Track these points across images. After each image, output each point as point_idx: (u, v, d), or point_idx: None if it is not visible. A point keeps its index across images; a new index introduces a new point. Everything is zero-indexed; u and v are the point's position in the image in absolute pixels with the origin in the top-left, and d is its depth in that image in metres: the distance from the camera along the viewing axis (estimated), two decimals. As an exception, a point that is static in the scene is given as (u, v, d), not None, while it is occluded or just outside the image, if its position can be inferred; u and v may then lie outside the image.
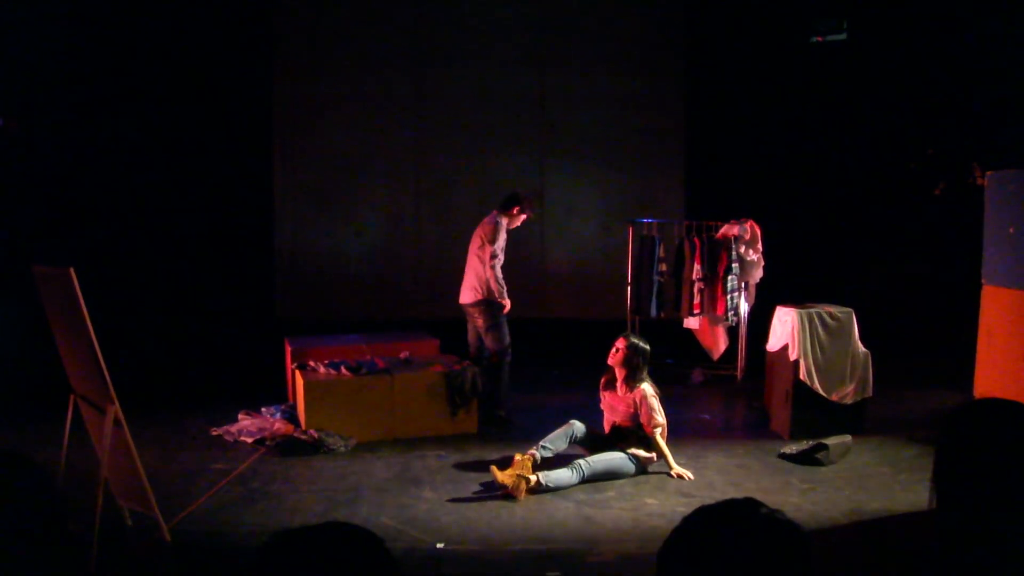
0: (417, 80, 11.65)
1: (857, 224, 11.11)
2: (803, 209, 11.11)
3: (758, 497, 1.50)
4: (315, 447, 6.73)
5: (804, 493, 6.00)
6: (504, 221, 7.58)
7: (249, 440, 6.95)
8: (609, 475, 6.04)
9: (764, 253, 9.09)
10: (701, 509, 1.47)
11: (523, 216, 7.69)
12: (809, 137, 11.28)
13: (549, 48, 11.75)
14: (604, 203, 11.89)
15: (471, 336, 7.77)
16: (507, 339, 7.59)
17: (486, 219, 7.64)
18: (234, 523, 5.37)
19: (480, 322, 7.53)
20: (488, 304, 7.46)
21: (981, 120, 9.72)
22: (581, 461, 5.99)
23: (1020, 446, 1.79)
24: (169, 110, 10.65)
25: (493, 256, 7.42)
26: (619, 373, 6.24)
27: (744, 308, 9.12)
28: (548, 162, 11.85)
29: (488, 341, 7.53)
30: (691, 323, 9.36)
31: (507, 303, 7.49)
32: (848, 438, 6.60)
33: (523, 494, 5.72)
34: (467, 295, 7.61)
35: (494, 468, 5.84)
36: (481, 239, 7.53)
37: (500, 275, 7.46)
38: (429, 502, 5.84)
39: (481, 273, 7.47)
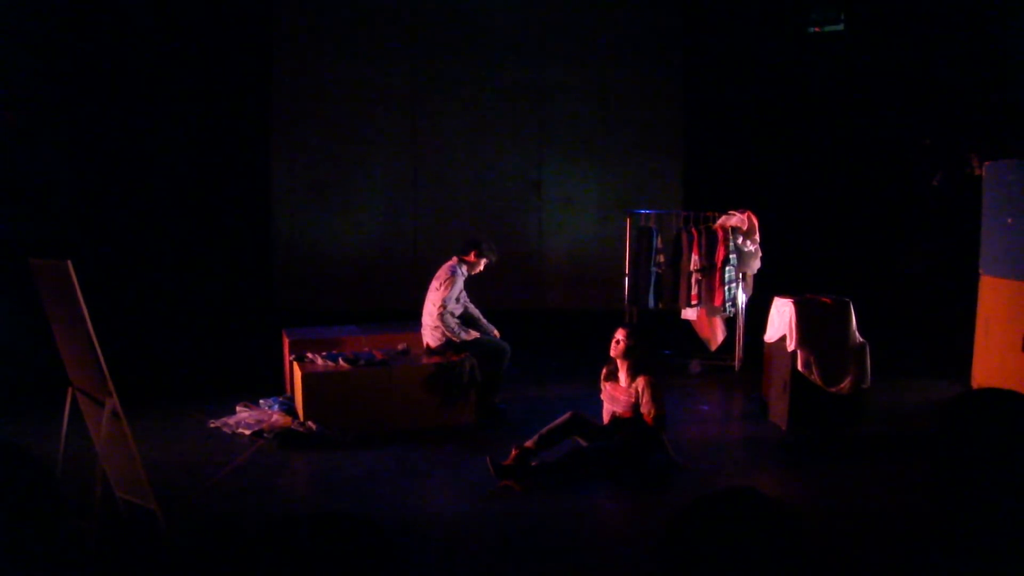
0: (414, 72, 11.63)
1: (854, 214, 11.11)
2: (800, 200, 11.11)
3: (756, 487, 1.50)
4: (313, 439, 6.74)
5: (803, 483, 6.02)
6: (463, 269, 7.51)
7: (247, 432, 6.95)
8: (607, 465, 6.04)
9: (761, 244, 9.09)
10: (700, 498, 1.47)
11: (483, 261, 7.57)
12: (806, 128, 11.27)
13: (546, 39, 11.72)
14: (601, 194, 11.88)
15: None
16: (501, 346, 7.58)
17: (445, 266, 7.53)
18: (232, 515, 5.37)
19: (462, 355, 7.44)
20: (451, 342, 7.44)
21: (978, 110, 9.71)
22: (579, 451, 6.00)
23: (1018, 436, 1.79)
24: (167, 101, 10.63)
25: (444, 306, 7.36)
26: (621, 364, 6.23)
27: (742, 299, 9.11)
28: (545, 153, 11.84)
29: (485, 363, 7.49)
30: (689, 314, 9.36)
31: (470, 336, 7.45)
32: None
33: (520, 485, 5.73)
34: (428, 336, 7.56)
35: (491, 460, 5.85)
36: (437, 285, 7.47)
37: (452, 322, 7.41)
38: (427, 494, 5.85)
39: (433, 317, 7.43)
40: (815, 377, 6.71)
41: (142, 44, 10.52)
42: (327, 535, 1.45)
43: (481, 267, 7.60)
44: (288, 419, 7.10)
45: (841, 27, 10.89)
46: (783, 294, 7.14)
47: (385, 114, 11.63)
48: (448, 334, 7.38)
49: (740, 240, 9.00)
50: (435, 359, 7.42)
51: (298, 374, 7.22)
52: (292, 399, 7.57)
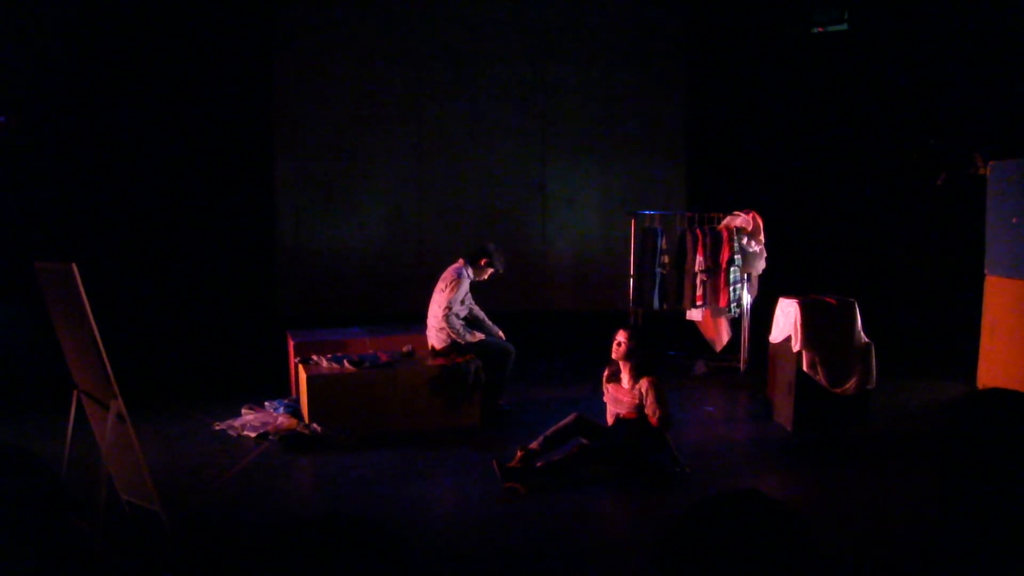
0: (418, 73, 11.63)
1: (859, 215, 11.10)
2: (805, 200, 11.09)
3: (761, 488, 1.50)
4: (318, 441, 6.74)
5: (808, 484, 6.01)
6: (469, 273, 7.52)
7: (252, 435, 6.96)
8: (611, 464, 6.03)
9: (766, 244, 9.08)
10: (704, 500, 1.47)
11: (490, 270, 7.59)
12: (810, 128, 11.25)
13: (550, 40, 11.72)
14: (606, 195, 11.88)
15: None
16: (506, 347, 7.57)
17: (452, 267, 7.55)
18: (238, 518, 5.38)
19: (467, 356, 7.45)
20: (456, 343, 7.44)
21: (983, 110, 9.69)
22: (583, 449, 5.99)
23: (1023, 436, 1.79)
24: (170, 103, 10.64)
25: (449, 308, 7.36)
26: (624, 366, 6.23)
27: (747, 300, 9.10)
28: (549, 154, 11.83)
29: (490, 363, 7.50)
30: (694, 315, 9.35)
31: (475, 338, 7.45)
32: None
33: (525, 487, 5.72)
34: (433, 338, 7.56)
35: (496, 462, 5.85)
36: (443, 286, 7.48)
37: (457, 324, 7.41)
38: (432, 495, 5.85)
39: (439, 318, 7.44)
40: (820, 378, 6.70)
41: (145, 46, 10.53)
42: (332, 537, 1.45)
43: (487, 275, 7.62)
44: (293, 421, 7.10)
45: (845, 27, 10.87)
46: (788, 295, 7.13)
47: (388, 115, 11.64)
48: (453, 336, 7.38)
49: (745, 241, 8.99)
50: (440, 361, 7.42)
51: (303, 376, 7.23)
52: (297, 401, 7.58)
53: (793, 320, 6.83)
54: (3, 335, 8.56)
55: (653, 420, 6.06)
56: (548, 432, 6.11)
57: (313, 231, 11.65)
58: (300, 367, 7.41)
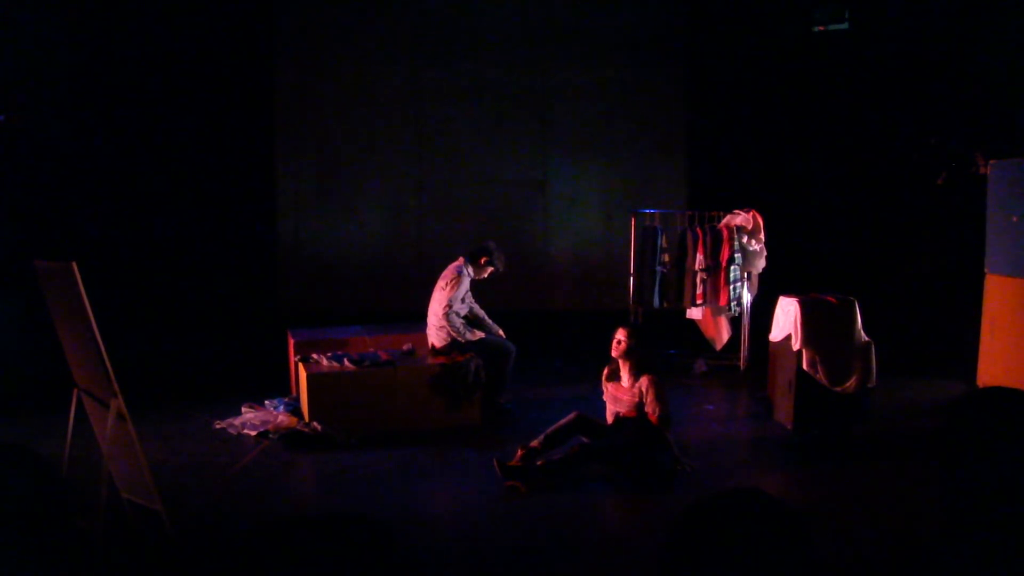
0: (418, 72, 11.64)
1: (859, 213, 11.09)
2: (805, 199, 11.09)
3: (761, 487, 1.50)
4: (318, 440, 6.74)
5: (808, 483, 6.00)
6: (470, 271, 7.52)
7: (253, 433, 6.96)
8: (611, 462, 6.03)
9: (766, 243, 9.08)
10: (705, 499, 1.47)
11: (490, 269, 7.59)
12: (811, 127, 11.25)
13: (550, 39, 11.72)
14: (606, 194, 11.88)
15: None
16: (507, 346, 7.57)
17: (452, 266, 7.55)
18: (238, 516, 5.38)
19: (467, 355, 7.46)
20: (456, 342, 7.44)
21: (983, 109, 9.68)
22: (584, 447, 5.99)
23: (1023, 435, 1.79)
24: (170, 103, 10.64)
25: (450, 305, 7.36)
26: (623, 364, 6.23)
27: (747, 298, 9.10)
28: (550, 153, 11.83)
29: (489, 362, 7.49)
30: (694, 313, 9.35)
31: (475, 336, 7.45)
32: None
33: (526, 486, 5.72)
34: (433, 336, 7.56)
35: (497, 461, 5.85)
36: (444, 284, 7.48)
37: (458, 322, 7.41)
38: (432, 494, 5.85)
39: (439, 316, 7.43)
40: (820, 376, 6.69)
41: (146, 47, 10.54)
42: (332, 536, 1.45)
43: (486, 274, 7.62)
44: (293, 420, 7.10)
45: (846, 26, 10.85)
46: (788, 293, 7.13)
47: (389, 115, 11.64)
48: (453, 334, 7.38)
49: (745, 239, 8.99)
50: (440, 359, 7.42)
51: (303, 375, 7.23)
52: (297, 400, 7.58)
53: (793, 319, 6.83)
54: (3, 334, 8.56)
55: (653, 418, 6.06)
56: (549, 431, 6.11)
57: (313, 231, 11.66)
58: (300, 365, 7.41)
